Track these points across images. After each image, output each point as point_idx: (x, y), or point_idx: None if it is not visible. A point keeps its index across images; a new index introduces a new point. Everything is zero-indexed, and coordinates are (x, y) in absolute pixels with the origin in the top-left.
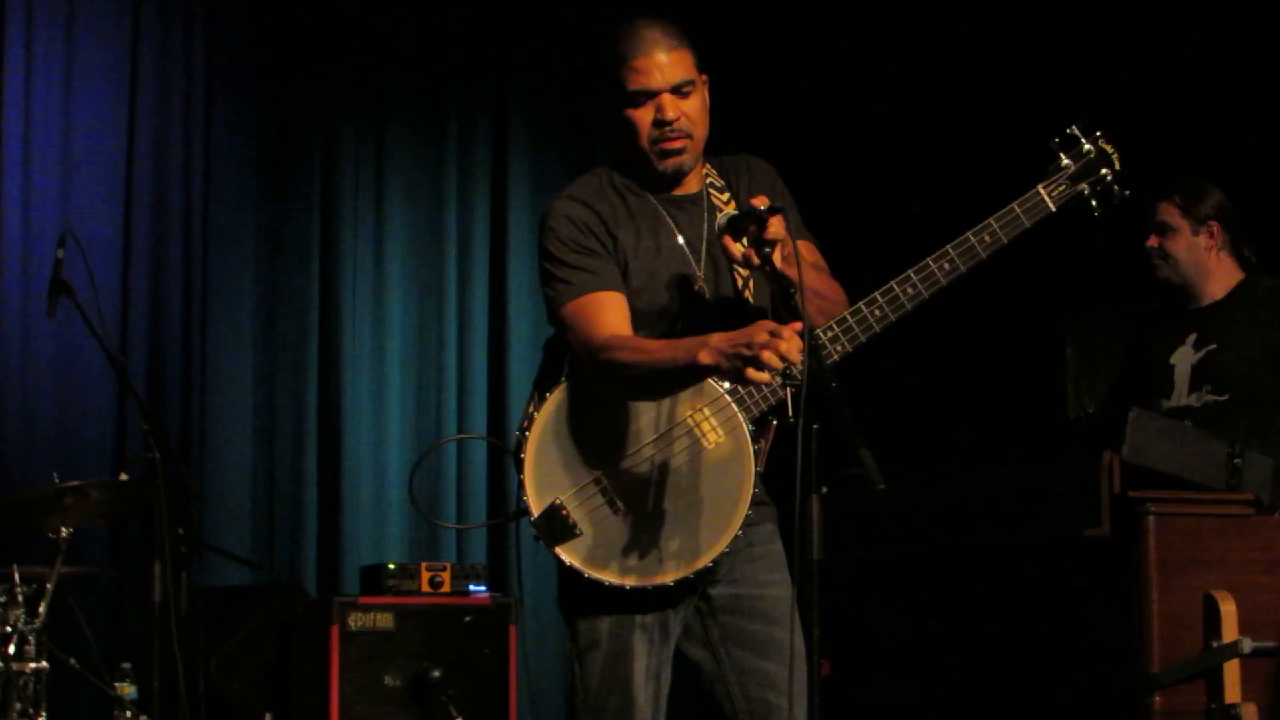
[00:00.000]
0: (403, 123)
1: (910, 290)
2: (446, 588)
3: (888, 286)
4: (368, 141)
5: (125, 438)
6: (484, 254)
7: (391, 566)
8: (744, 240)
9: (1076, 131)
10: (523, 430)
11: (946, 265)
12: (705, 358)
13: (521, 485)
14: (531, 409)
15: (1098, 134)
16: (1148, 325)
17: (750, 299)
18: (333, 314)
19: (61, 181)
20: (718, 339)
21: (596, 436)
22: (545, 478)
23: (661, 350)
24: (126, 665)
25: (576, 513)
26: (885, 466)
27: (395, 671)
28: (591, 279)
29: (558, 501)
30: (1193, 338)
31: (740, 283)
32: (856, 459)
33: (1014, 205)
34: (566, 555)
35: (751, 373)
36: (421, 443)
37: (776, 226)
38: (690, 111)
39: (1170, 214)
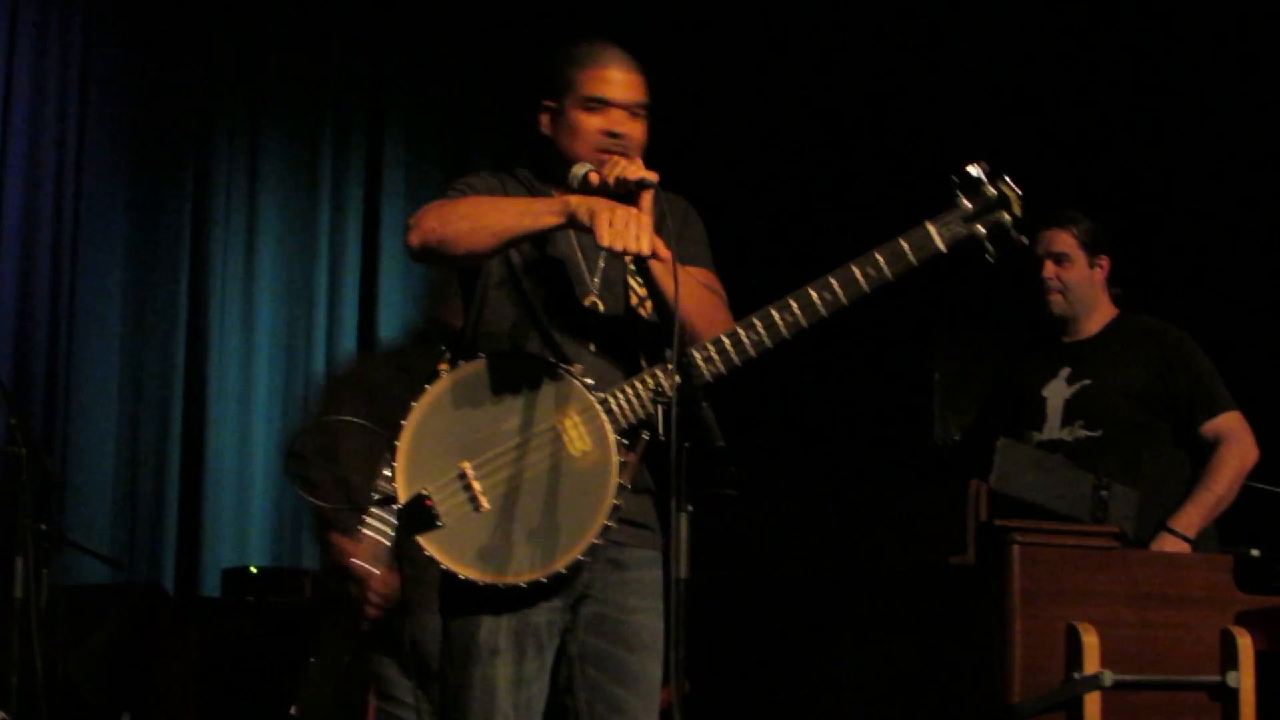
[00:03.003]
0: (277, 128)
1: (788, 318)
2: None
3: (765, 311)
4: (241, 144)
5: None
6: (355, 260)
7: (254, 570)
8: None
9: (980, 173)
10: (401, 420)
11: (828, 295)
12: (573, 202)
13: (393, 472)
14: (411, 400)
15: (1003, 178)
16: (1017, 354)
17: (644, 314)
18: (201, 314)
19: None
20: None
21: (466, 433)
22: (415, 468)
23: (515, 200)
24: None
25: (441, 505)
26: (754, 485)
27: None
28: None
29: (424, 492)
30: (1066, 371)
31: (635, 300)
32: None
33: (900, 240)
34: (426, 545)
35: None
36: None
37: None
38: (636, 135)
39: (1068, 244)
